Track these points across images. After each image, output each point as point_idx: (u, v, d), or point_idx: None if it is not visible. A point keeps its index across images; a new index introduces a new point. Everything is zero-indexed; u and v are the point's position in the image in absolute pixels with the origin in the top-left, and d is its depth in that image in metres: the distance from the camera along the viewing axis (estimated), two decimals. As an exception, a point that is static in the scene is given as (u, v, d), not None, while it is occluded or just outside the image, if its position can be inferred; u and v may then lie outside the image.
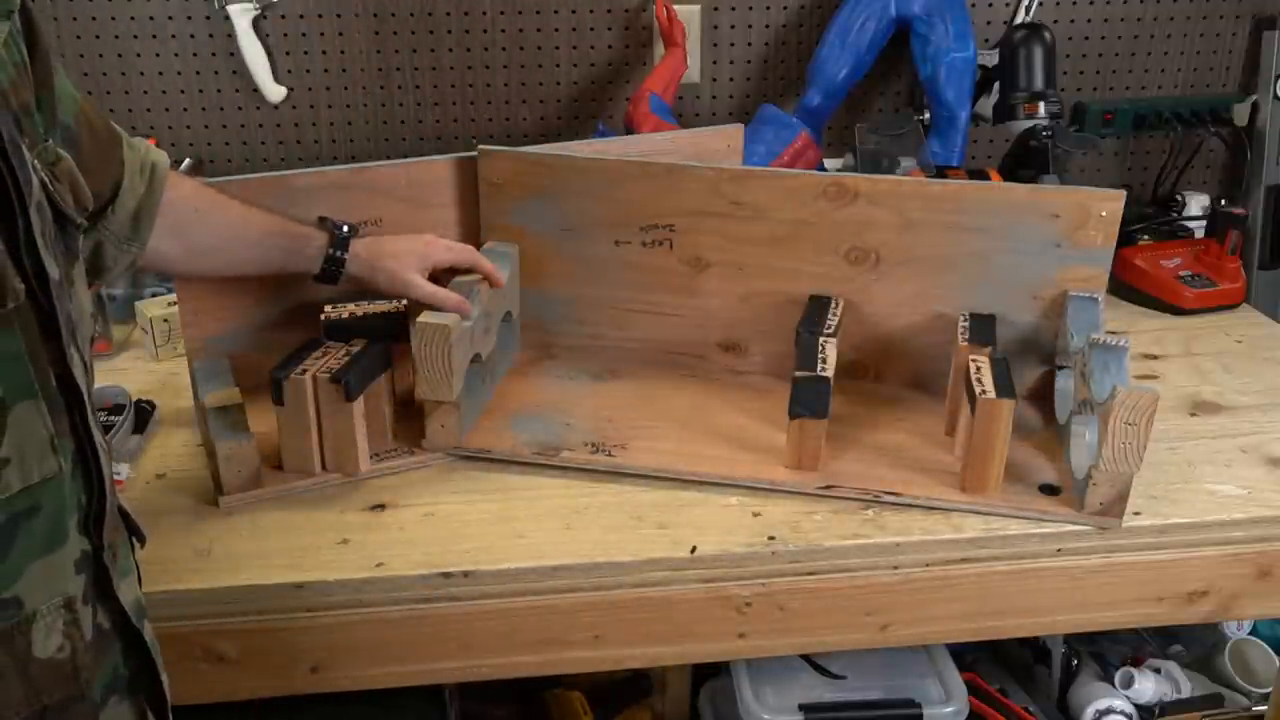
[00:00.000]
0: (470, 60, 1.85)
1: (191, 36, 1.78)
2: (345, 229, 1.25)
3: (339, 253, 1.23)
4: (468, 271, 1.29)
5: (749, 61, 1.90)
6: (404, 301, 1.34)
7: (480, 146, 1.38)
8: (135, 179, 1.06)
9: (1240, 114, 1.95)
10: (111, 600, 0.81)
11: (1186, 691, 1.70)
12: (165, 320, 1.53)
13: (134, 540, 0.93)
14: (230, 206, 1.20)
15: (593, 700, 1.69)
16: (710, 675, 1.70)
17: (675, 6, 1.79)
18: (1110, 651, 1.77)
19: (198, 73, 1.80)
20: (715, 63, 1.89)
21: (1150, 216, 1.91)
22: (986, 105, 1.84)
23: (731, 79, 1.91)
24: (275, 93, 1.81)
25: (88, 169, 0.91)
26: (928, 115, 1.82)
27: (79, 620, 0.77)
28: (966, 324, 1.29)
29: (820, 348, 1.22)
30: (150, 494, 1.20)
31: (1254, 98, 1.95)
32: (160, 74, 1.80)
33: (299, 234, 1.23)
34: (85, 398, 0.78)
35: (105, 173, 1.02)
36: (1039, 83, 1.78)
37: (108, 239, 1.05)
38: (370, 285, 1.26)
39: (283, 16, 1.78)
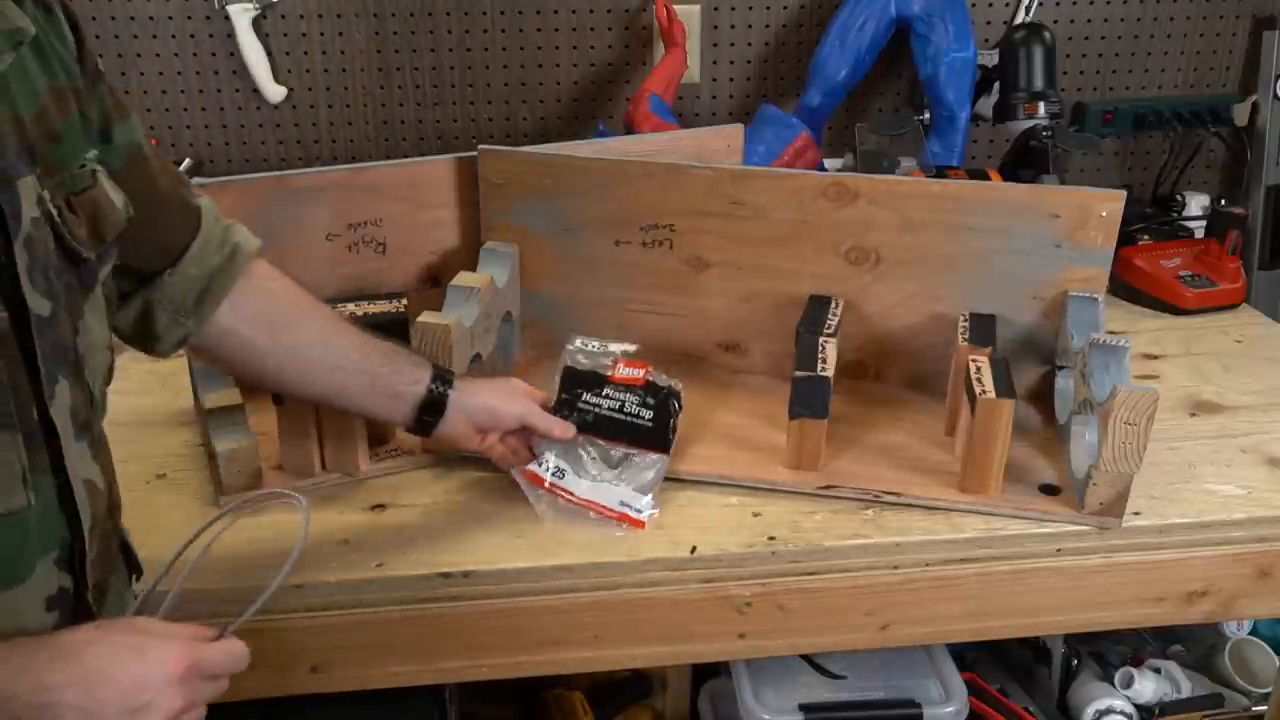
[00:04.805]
0: (470, 60, 1.85)
1: (191, 36, 1.78)
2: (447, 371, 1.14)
3: (441, 388, 1.10)
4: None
5: (749, 61, 1.90)
6: (404, 301, 1.35)
7: (480, 146, 1.37)
8: (209, 251, 1.00)
9: (1240, 114, 1.95)
10: None
11: (1186, 691, 1.70)
12: (165, 320, 1.53)
13: (132, 575, 0.91)
14: (327, 311, 1.10)
15: (593, 700, 1.69)
16: (710, 675, 1.70)
17: (675, 6, 1.79)
18: (1110, 651, 1.77)
19: (198, 73, 1.80)
20: (715, 63, 1.89)
21: (1150, 216, 1.91)
22: (986, 105, 1.84)
23: (731, 79, 1.91)
24: (275, 93, 1.81)
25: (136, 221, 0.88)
26: (928, 115, 1.82)
27: None
28: (966, 324, 1.29)
29: (820, 348, 1.22)
30: (150, 494, 1.20)
31: (1254, 98, 1.95)
32: (160, 74, 1.80)
33: (398, 353, 1.11)
34: (71, 434, 0.77)
35: (158, 233, 0.96)
36: (1039, 83, 1.78)
37: (160, 304, 0.98)
38: (476, 424, 1.14)
39: (283, 16, 1.78)
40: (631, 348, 1.26)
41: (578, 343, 1.27)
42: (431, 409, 1.10)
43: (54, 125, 0.79)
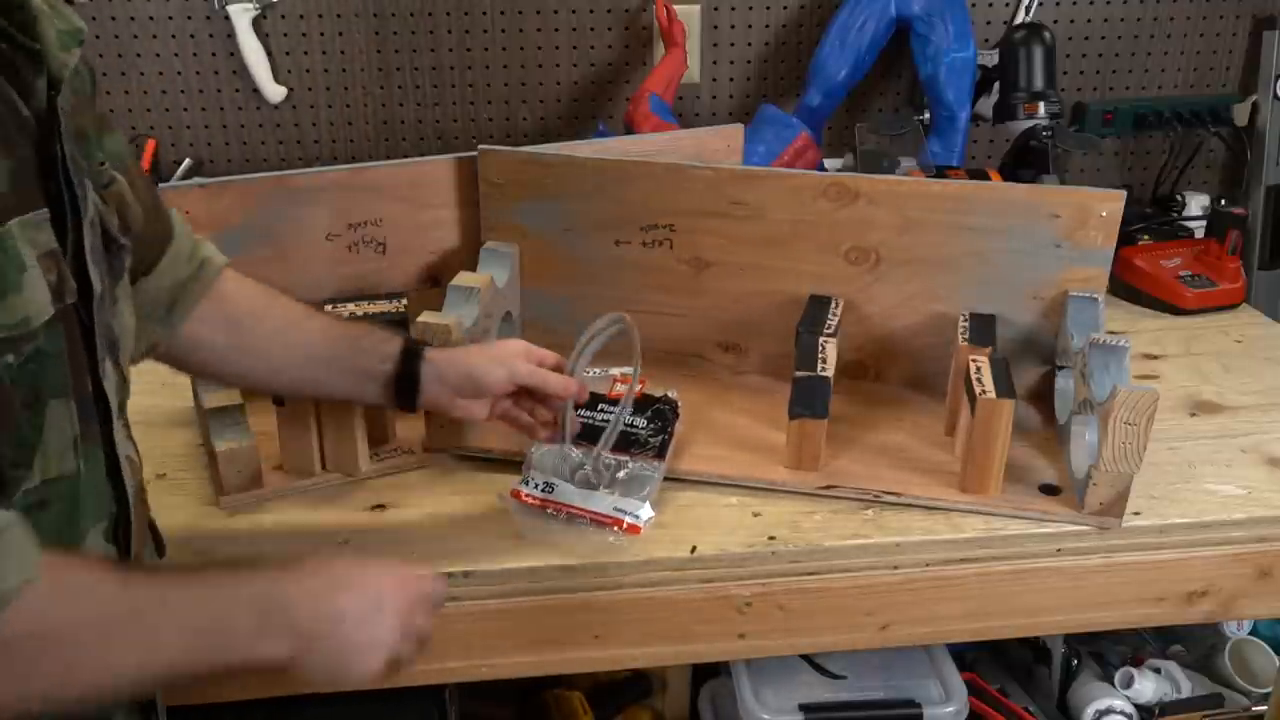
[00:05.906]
0: (470, 60, 1.85)
1: (191, 36, 1.78)
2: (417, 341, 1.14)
3: (411, 363, 1.09)
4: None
5: (749, 61, 1.90)
6: (404, 301, 1.35)
7: (480, 146, 1.38)
8: (179, 262, 1.02)
9: (1240, 114, 1.95)
10: None
11: (1186, 691, 1.70)
12: (165, 320, 1.53)
13: (157, 553, 0.95)
14: (291, 306, 1.10)
15: (593, 700, 1.69)
16: (710, 675, 1.70)
17: (675, 6, 1.79)
18: (1110, 651, 1.77)
19: (198, 73, 1.80)
20: (715, 63, 1.89)
21: (1150, 216, 1.91)
22: (986, 105, 1.84)
23: (731, 79, 1.91)
24: (275, 93, 1.81)
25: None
26: (928, 115, 1.82)
27: None
28: (966, 324, 1.29)
29: (820, 348, 1.22)
30: (150, 494, 1.19)
31: (1254, 98, 1.95)
32: (160, 74, 1.80)
33: (368, 334, 1.12)
34: (115, 411, 0.82)
35: (136, 241, 0.95)
36: (1039, 83, 1.78)
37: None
38: (460, 391, 1.11)
39: (283, 16, 1.78)
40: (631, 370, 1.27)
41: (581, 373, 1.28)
42: (404, 384, 1.09)
43: (84, 124, 0.83)
